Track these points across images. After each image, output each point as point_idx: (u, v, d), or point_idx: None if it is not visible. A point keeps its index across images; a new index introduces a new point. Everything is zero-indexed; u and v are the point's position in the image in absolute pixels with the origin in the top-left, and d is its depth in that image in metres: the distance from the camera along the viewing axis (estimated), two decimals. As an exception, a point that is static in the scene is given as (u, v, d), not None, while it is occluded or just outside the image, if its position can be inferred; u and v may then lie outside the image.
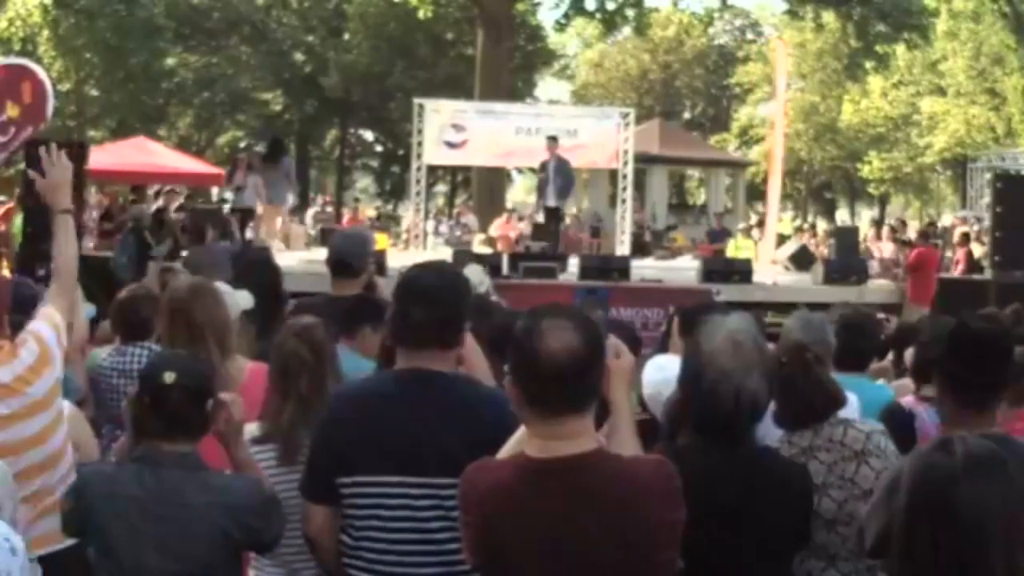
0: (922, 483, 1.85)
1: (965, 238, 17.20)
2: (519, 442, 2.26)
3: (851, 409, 3.22)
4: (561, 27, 31.01)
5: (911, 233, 18.56)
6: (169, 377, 2.73)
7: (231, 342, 3.71)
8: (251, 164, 15.13)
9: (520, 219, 22.07)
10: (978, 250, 16.37)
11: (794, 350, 3.19)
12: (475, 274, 8.55)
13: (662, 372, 3.28)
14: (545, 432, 2.16)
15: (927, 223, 18.95)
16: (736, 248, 18.11)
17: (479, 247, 17.59)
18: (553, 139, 15.15)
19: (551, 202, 14.89)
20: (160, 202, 16.92)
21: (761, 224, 20.97)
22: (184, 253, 12.06)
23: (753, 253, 17.57)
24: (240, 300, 4.09)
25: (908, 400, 3.72)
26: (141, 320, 4.52)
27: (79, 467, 3.19)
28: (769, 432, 2.96)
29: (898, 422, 3.46)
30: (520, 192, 50.82)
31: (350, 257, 4.55)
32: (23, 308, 4.35)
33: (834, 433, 2.97)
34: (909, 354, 5.31)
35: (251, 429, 3.27)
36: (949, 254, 17.86)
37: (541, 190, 15.01)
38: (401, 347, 2.68)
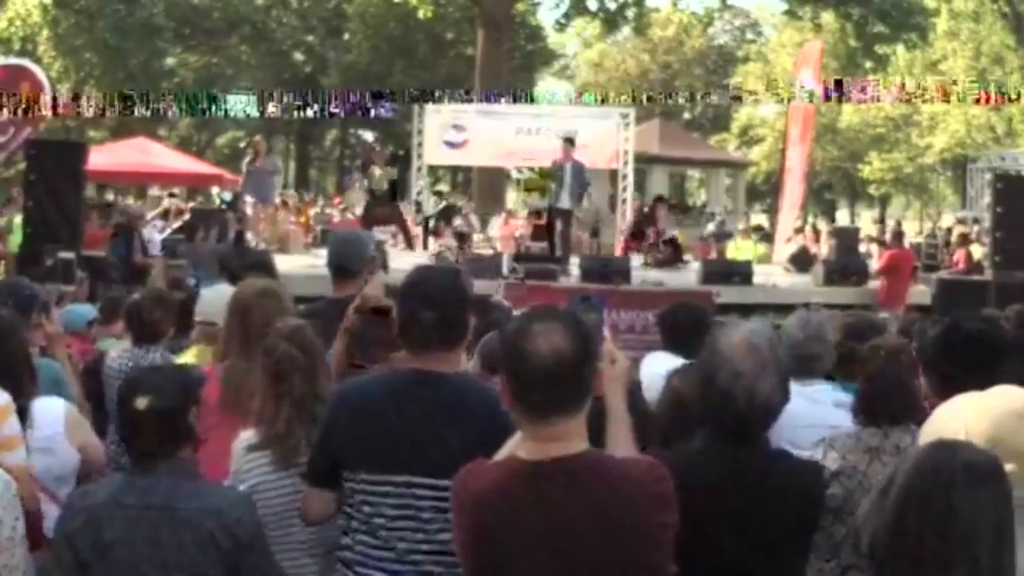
0: (919, 485, 1.85)
1: (964, 238, 17.18)
2: (514, 445, 2.26)
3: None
4: (561, 27, 31.12)
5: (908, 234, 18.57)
6: (141, 403, 2.64)
7: None
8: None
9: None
10: (978, 250, 16.34)
11: (896, 351, 3.18)
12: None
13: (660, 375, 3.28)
14: (536, 433, 2.16)
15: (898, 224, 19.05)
16: (736, 249, 18.05)
17: (479, 247, 17.53)
18: (570, 141, 14.72)
19: (565, 204, 14.50)
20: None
21: (758, 228, 21.01)
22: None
23: (753, 254, 17.52)
24: None
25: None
26: (151, 323, 4.47)
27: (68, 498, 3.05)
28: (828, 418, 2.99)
29: None
30: (520, 192, 50.68)
31: (348, 260, 4.54)
32: (23, 307, 4.35)
33: (902, 440, 2.98)
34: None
35: (248, 436, 3.24)
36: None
37: (555, 192, 14.49)
38: (406, 347, 2.71)
